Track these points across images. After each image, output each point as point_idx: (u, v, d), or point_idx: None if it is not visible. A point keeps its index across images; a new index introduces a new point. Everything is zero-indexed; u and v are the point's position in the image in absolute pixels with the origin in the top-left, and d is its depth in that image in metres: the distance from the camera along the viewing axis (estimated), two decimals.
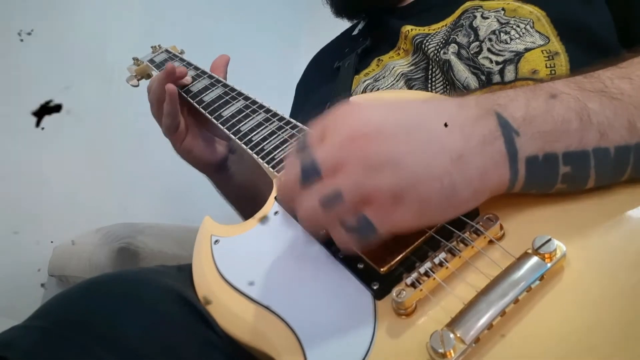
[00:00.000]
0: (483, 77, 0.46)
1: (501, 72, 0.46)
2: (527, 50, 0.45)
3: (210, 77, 0.64)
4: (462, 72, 0.48)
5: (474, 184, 0.28)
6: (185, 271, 0.40)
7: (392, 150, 0.27)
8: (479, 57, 0.47)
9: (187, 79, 0.63)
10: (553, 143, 0.28)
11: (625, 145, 0.28)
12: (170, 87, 0.58)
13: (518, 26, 0.47)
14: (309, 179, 0.28)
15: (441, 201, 0.27)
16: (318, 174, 0.27)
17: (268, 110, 0.53)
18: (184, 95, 0.62)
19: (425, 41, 0.53)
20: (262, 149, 0.48)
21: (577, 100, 0.29)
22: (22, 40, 1.01)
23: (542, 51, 0.45)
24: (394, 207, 0.27)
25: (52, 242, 0.94)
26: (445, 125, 0.28)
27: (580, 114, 0.28)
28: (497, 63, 0.46)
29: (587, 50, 0.44)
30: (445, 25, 0.54)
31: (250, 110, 0.54)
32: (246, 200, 0.66)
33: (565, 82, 0.31)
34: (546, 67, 0.44)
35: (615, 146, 0.28)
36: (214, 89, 0.61)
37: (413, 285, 0.28)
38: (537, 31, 0.46)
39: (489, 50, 0.47)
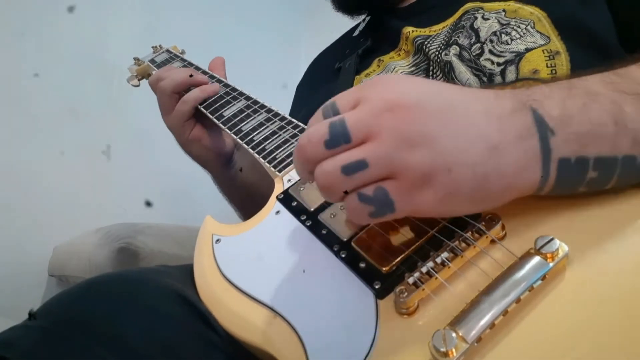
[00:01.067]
0: (485, 79, 0.46)
1: (502, 73, 0.46)
2: (527, 50, 0.45)
3: (212, 77, 0.64)
4: (463, 73, 0.48)
5: (507, 179, 0.26)
6: (185, 271, 0.40)
7: (430, 128, 0.25)
8: (480, 59, 0.47)
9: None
10: (587, 147, 0.27)
11: None
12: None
13: (519, 27, 0.47)
14: (336, 143, 0.26)
15: (471, 191, 0.26)
16: (347, 140, 0.26)
17: (269, 110, 0.53)
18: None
19: (426, 42, 0.53)
20: (264, 149, 0.48)
21: (614, 102, 0.28)
22: (21, 39, 1.01)
23: (542, 51, 0.45)
24: (420, 188, 0.25)
25: (52, 242, 0.94)
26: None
27: (615, 118, 0.27)
28: (499, 64, 0.46)
29: (588, 49, 0.44)
30: (446, 26, 0.54)
31: (251, 110, 0.54)
32: (251, 198, 0.65)
33: (601, 81, 0.29)
34: (547, 66, 0.44)
35: None
36: None
37: (415, 284, 0.28)
38: (537, 31, 0.46)
39: (490, 51, 0.47)
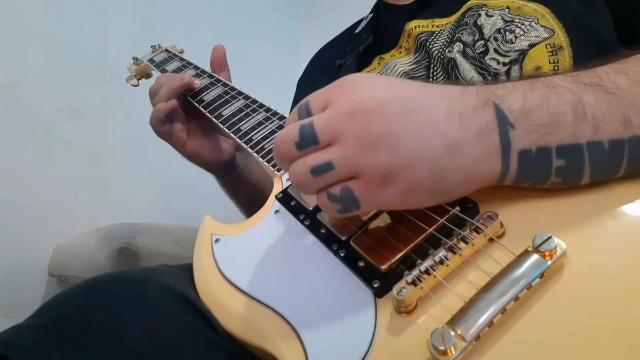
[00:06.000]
0: (490, 78, 0.46)
1: (507, 73, 0.46)
2: (531, 46, 0.45)
3: (210, 76, 0.64)
4: (467, 70, 0.48)
5: (465, 171, 0.28)
6: (185, 270, 0.40)
7: (391, 128, 0.27)
8: (485, 58, 0.47)
9: (196, 84, 0.61)
10: (547, 136, 0.28)
11: (619, 138, 0.28)
12: (173, 103, 0.58)
13: (523, 24, 0.47)
14: (305, 145, 0.28)
15: (430, 186, 0.28)
16: (315, 142, 0.28)
17: (268, 109, 0.53)
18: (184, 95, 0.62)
19: (430, 39, 0.53)
20: (263, 148, 0.48)
21: (573, 93, 0.29)
22: (21, 39, 1.01)
23: (546, 45, 0.44)
24: (382, 185, 0.27)
25: (52, 242, 0.94)
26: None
27: (574, 107, 0.28)
28: (504, 64, 0.46)
29: (591, 47, 0.44)
30: (450, 22, 0.54)
31: (250, 109, 0.55)
32: (254, 196, 0.66)
33: (562, 76, 0.31)
34: (549, 62, 0.44)
35: (609, 140, 0.28)
36: (213, 88, 0.61)
37: (414, 283, 0.28)
38: (542, 25, 0.46)
39: (495, 50, 0.47)
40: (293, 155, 0.29)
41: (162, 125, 0.59)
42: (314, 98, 0.30)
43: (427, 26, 0.56)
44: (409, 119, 0.28)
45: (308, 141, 0.28)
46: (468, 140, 0.28)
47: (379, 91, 0.29)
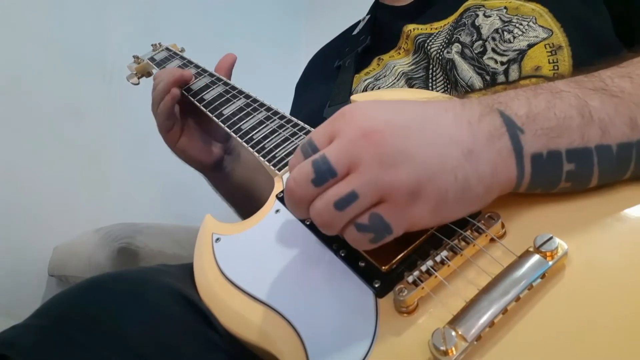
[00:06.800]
0: (488, 78, 0.46)
1: (506, 72, 0.46)
2: (530, 46, 0.45)
3: (211, 75, 0.64)
4: (466, 71, 0.48)
5: (486, 180, 0.27)
6: (186, 270, 0.40)
7: (405, 144, 0.26)
8: (483, 58, 0.47)
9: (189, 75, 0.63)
10: (556, 140, 0.28)
11: (628, 142, 0.28)
12: (175, 91, 0.59)
13: (521, 24, 0.47)
14: (323, 180, 0.26)
15: (457, 196, 0.27)
16: (333, 174, 0.26)
17: (269, 109, 0.53)
18: (185, 93, 0.62)
19: (428, 40, 0.53)
20: (263, 147, 0.48)
21: (578, 97, 0.29)
22: (21, 39, 1.01)
23: (545, 45, 0.44)
24: (411, 204, 0.26)
25: (52, 242, 0.94)
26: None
27: (581, 111, 0.28)
28: (502, 63, 0.46)
29: (591, 46, 0.44)
30: (447, 24, 0.54)
31: (251, 108, 0.54)
32: (242, 198, 0.68)
33: (566, 81, 0.31)
34: (549, 62, 0.44)
35: (618, 143, 0.28)
36: (214, 87, 0.61)
37: (415, 283, 0.28)
38: (540, 25, 0.46)
39: (493, 50, 0.47)
40: (311, 195, 0.27)
41: (169, 116, 0.59)
42: (316, 134, 0.29)
43: (426, 29, 0.56)
44: (420, 133, 0.27)
45: (325, 175, 0.26)
46: (482, 146, 0.27)
47: (382, 113, 0.28)
